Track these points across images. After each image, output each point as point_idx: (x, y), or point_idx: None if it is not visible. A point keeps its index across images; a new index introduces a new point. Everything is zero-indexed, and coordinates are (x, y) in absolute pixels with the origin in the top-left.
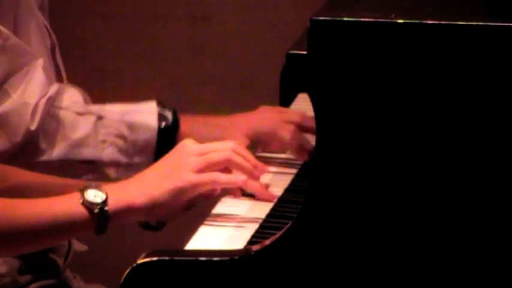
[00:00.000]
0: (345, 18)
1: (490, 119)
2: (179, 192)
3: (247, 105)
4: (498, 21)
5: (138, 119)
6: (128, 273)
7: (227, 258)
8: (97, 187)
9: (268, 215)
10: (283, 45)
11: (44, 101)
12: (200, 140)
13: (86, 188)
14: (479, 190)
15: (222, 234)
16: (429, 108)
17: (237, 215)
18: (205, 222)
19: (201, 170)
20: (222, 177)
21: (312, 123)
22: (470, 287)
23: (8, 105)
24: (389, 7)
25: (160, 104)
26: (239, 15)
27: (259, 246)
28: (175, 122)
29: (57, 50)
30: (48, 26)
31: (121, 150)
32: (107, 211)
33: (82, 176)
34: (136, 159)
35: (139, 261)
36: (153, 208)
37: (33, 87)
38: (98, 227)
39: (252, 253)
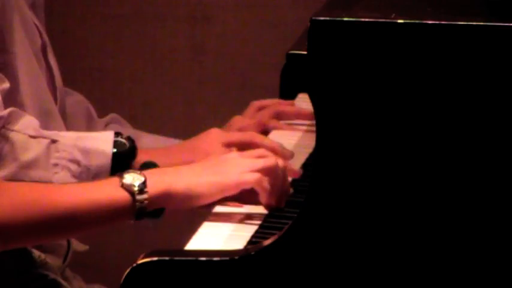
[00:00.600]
0: (345, 18)
1: (490, 119)
2: (222, 188)
3: (247, 105)
4: (498, 21)
5: (92, 144)
6: (127, 273)
7: (227, 258)
8: (136, 171)
9: (268, 215)
10: (283, 45)
11: None
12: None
13: (123, 172)
14: (479, 190)
15: (222, 234)
16: (429, 108)
17: (237, 215)
18: (206, 222)
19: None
20: (266, 184)
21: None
22: (470, 287)
23: None
24: (389, 7)
25: (118, 134)
26: (239, 15)
27: (259, 246)
28: (132, 150)
29: (49, 50)
30: (39, 25)
31: (74, 175)
32: (146, 194)
33: None
34: None
35: (139, 261)
36: (190, 197)
37: None
38: (137, 211)
39: (252, 253)
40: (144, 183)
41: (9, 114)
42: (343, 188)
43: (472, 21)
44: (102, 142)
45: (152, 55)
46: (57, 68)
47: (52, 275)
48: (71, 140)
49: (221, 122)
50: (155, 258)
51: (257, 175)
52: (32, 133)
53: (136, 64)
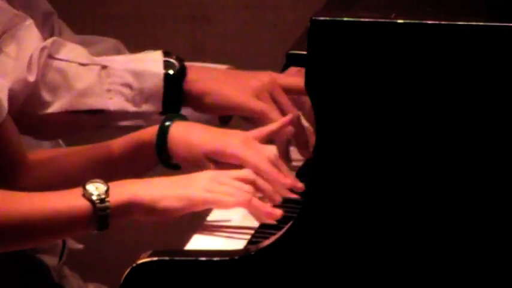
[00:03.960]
0: (345, 18)
1: (490, 119)
2: (186, 202)
3: None
4: (498, 21)
5: (143, 67)
6: (127, 273)
7: (227, 258)
8: (99, 181)
9: None
10: (283, 45)
11: (37, 52)
12: (210, 92)
13: (87, 182)
14: (479, 190)
15: (222, 234)
16: (429, 108)
17: (237, 214)
18: (206, 222)
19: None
20: (227, 200)
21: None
22: (470, 287)
23: (2, 59)
24: (389, 7)
25: (167, 53)
26: (239, 15)
27: (259, 246)
28: (182, 69)
29: (52, 17)
30: None
31: (128, 99)
32: (108, 203)
33: (91, 129)
34: (145, 107)
35: (139, 261)
36: (154, 208)
37: (27, 42)
38: (99, 221)
39: (252, 253)
40: (106, 193)
41: (52, 44)
42: (343, 188)
43: (472, 21)
44: (152, 63)
45: None
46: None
47: (49, 275)
48: (121, 64)
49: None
50: (155, 258)
51: (217, 195)
52: (82, 61)
53: None
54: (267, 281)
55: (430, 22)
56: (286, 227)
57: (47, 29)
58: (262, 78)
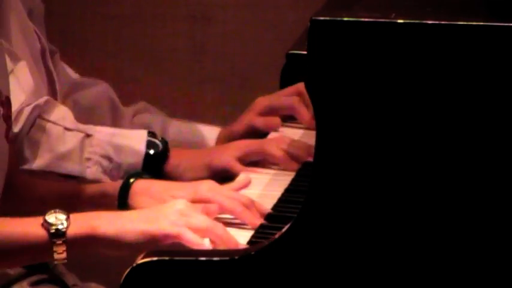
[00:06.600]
0: (345, 18)
1: (490, 119)
2: (150, 238)
3: (247, 105)
4: (498, 21)
5: (126, 142)
6: (127, 273)
7: (227, 258)
8: (61, 212)
9: (268, 215)
10: (283, 45)
11: (29, 108)
12: (188, 169)
13: (49, 212)
14: (479, 190)
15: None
16: (429, 108)
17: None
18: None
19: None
20: (190, 237)
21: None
22: (470, 287)
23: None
24: (389, 7)
25: (152, 134)
26: (239, 15)
27: (259, 246)
28: (165, 152)
29: (47, 55)
30: (37, 31)
31: (105, 171)
32: (64, 236)
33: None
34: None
35: (139, 261)
36: (118, 243)
37: (18, 92)
38: (56, 251)
39: (252, 253)
40: (64, 224)
41: (45, 103)
42: (343, 188)
43: (472, 21)
44: (135, 140)
45: (152, 55)
46: (55, 72)
47: (44, 269)
48: (105, 135)
49: (221, 122)
50: (155, 258)
51: (183, 229)
52: (68, 125)
53: (136, 64)
54: (267, 281)
55: (430, 22)
56: (286, 227)
57: (44, 66)
58: (227, 151)
